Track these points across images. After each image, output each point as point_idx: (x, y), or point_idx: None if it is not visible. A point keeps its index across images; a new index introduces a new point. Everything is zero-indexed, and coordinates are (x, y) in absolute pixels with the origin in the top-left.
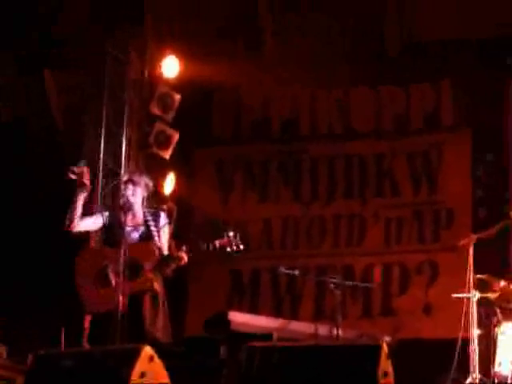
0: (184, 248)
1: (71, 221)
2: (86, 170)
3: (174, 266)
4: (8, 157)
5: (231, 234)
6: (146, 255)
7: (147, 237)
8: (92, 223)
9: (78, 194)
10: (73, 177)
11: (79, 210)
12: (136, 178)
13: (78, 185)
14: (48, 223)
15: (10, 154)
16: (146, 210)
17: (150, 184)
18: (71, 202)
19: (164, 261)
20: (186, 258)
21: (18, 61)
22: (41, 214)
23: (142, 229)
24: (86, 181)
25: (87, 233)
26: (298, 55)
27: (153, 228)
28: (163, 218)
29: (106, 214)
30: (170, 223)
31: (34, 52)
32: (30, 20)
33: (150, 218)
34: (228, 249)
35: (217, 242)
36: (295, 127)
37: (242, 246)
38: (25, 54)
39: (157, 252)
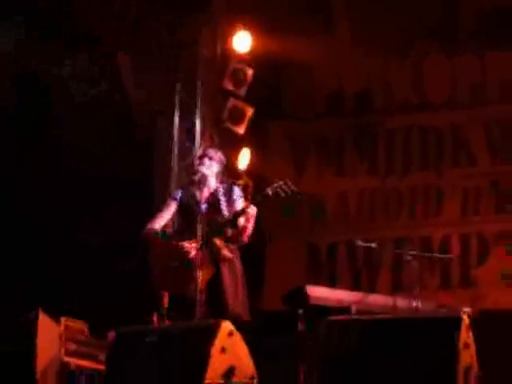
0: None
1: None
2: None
3: (242, 219)
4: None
5: (280, 181)
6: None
7: (215, 209)
8: (166, 217)
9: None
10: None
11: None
12: (211, 153)
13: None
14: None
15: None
16: (219, 184)
17: (224, 159)
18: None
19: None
20: (249, 211)
21: (91, 44)
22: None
23: (209, 201)
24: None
25: None
26: (370, 27)
27: (223, 202)
28: (237, 192)
29: (179, 193)
30: (245, 198)
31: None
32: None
33: (222, 192)
34: (282, 194)
35: (268, 190)
36: (369, 100)
37: (294, 188)
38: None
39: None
